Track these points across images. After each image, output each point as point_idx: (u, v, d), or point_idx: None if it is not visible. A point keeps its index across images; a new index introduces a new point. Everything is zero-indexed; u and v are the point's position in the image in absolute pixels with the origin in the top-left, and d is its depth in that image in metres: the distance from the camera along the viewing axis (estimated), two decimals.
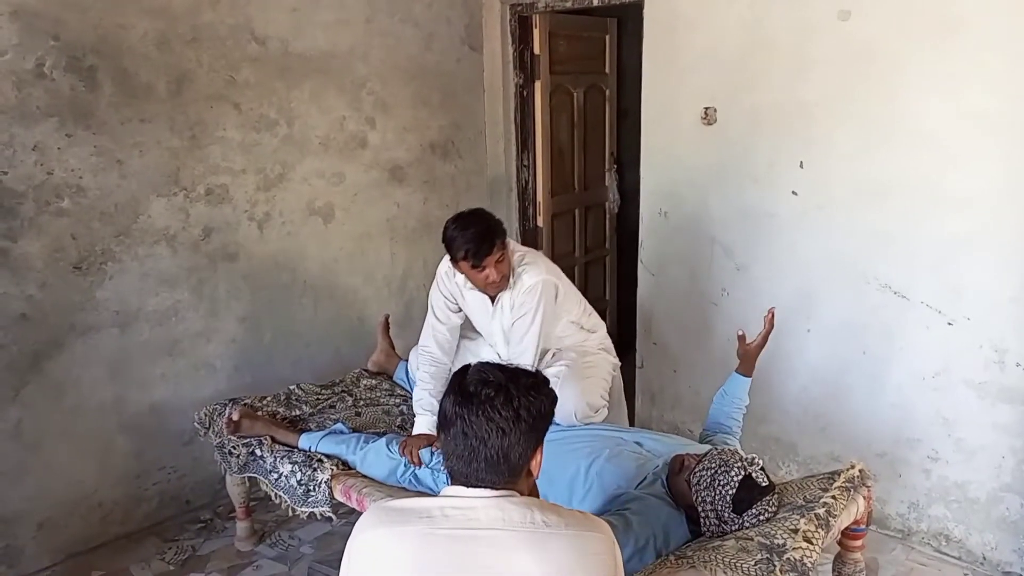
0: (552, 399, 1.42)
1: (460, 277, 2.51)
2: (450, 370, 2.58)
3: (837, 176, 2.85)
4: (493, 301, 2.53)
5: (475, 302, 2.57)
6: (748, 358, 2.40)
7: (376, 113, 3.55)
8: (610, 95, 4.41)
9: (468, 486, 1.34)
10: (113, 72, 2.71)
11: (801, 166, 2.92)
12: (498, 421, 1.31)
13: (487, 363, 1.42)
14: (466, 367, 1.42)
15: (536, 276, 2.44)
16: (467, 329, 2.77)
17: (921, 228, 2.69)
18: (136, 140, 2.80)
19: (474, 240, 2.31)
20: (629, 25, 4.13)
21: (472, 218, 2.37)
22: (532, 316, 2.42)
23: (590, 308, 2.74)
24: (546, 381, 1.43)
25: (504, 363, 1.44)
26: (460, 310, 2.66)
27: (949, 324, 2.67)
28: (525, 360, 2.35)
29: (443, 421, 1.36)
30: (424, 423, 2.48)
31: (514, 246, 2.52)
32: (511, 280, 2.45)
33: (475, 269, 2.35)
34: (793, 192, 2.97)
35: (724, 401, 2.43)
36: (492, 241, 2.32)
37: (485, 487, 1.33)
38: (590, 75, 4.26)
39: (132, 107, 2.77)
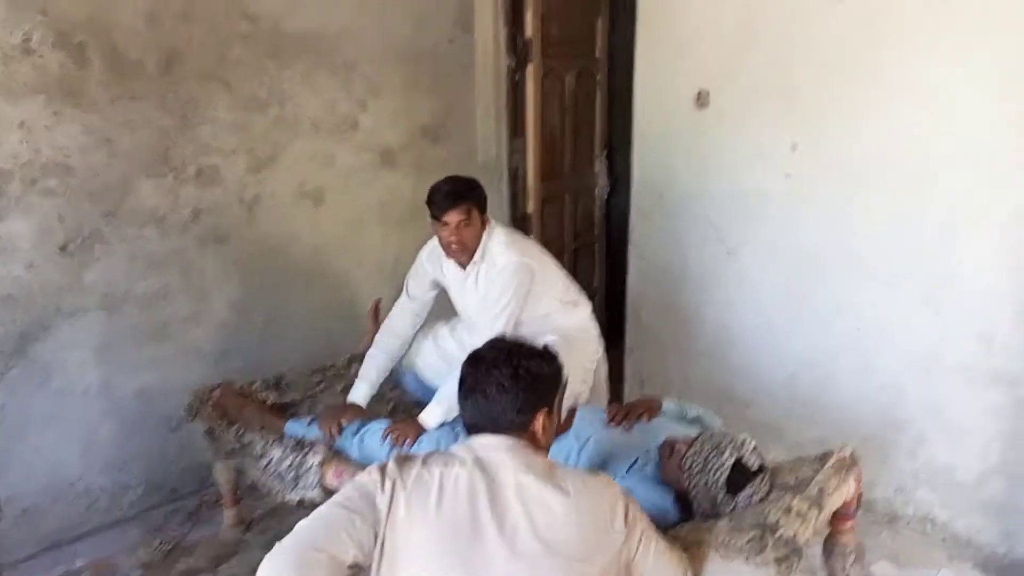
0: (557, 367, 1.64)
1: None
2: (403, 348, 2.74)
3: (830, 159, 2.86)
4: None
5: (452, 277, 2.65)
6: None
7: (367, 95, 3.50)
8: (601, 80, 4.38)
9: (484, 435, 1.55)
10: (103, 48, 2.65)
11: (794, 149, 2.93)
12: (497, 376, 1.54)
13: (500, 338, 1.72)
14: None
15: (510, 258, 2.51)
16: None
17: (913, 213, 2.71)
18: (126, 118, 2.74)
19: (442, 191, 2.45)
20: (621, 8, 4.11)
21: (456, 178, 2.52)
22: (503, 294, 2.48)
23: (574, 286, 2.79)
24: (552, 354, 1.65)
25: (514, 338, 1.70)
26: (434, 289, 2.75)
27: (939, 308, 2.70)
28: (496, 331, 2.40)
29: (460, 387, 1.61)
30: (358, 391, 2.60)
31: (500, 229, 2.59)
32: (481, 256, 2.53)
33: (437, 221, 2.46)
34: (786, 175, 2.97)
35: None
36: (460, 199, 2.44)
37: (501, 434, 1.53)
38: (581, 59, 4.23)
39: (122, 85, 2.72)
